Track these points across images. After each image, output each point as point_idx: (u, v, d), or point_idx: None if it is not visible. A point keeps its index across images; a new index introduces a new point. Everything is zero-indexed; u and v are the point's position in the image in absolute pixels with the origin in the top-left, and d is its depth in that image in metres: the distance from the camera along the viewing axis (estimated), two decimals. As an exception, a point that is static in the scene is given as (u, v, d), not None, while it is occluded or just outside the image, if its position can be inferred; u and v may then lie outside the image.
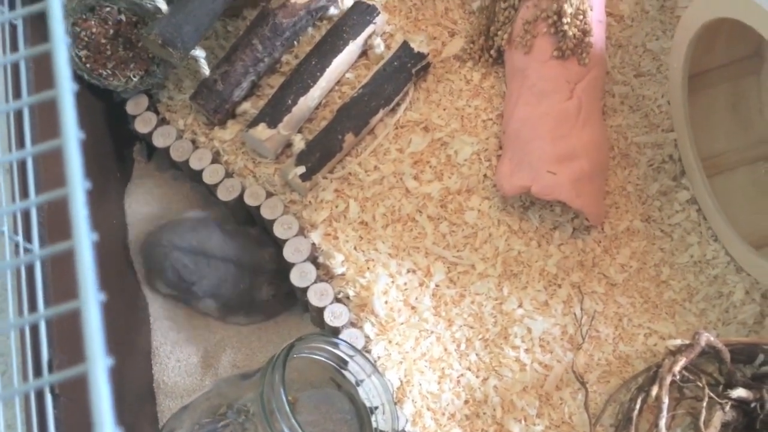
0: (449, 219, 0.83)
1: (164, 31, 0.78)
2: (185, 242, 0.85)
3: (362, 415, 0.74)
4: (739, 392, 0.72)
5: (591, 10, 0.83)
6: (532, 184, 0.79)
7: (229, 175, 0.86)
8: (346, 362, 0.75)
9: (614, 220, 0.85)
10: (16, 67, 0.69)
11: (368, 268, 0.81)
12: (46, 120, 0.71)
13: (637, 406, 0.74)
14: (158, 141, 0.87)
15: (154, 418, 0.82)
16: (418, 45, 0.87)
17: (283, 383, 0.67)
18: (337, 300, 0.79)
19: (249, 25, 0.88)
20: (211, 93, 0.85)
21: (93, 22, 0.83)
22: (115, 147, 0.91)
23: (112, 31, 0.84)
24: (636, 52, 0.91)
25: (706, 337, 0.73)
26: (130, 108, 0.88)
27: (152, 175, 0.94)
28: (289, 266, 0.80)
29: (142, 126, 0.88)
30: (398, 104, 0.87)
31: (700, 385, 0.73)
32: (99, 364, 0.26)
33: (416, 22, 0.92)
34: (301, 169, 0.82)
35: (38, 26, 0.75)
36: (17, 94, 0.68)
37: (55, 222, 0.67)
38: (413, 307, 0.80)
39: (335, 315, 0.78)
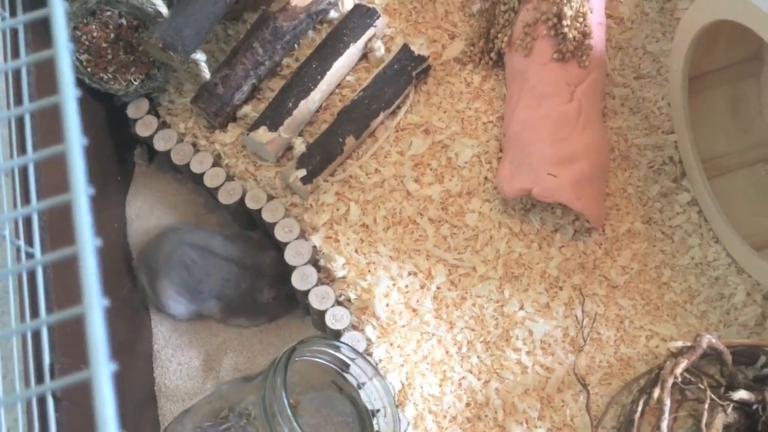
0: (450, 221, 0.83)
1: (165, 35, 0.78)
2: (193, 238, 0.84)
3: (364, 418, 0.74)
4: (741, 394, 0.72)
5: (591, 12, 0.84)
6: (532, 186, 0.80)
7: (230, 178, 0.86)
8: (347, 365, 0.75)
9: (615, 222, 0.85)
10: (17, 72, 0.69)
11: (369, 271, 0.81)
12: (48, 124, 0.71)
13: (639, 408, 0.74)
14: (159, 144, 0.88)
15: (156, 421, 0.82)
16: (418, 48, 0.87)
17: (285, 386, 0.67)
18: (339, 303, 0.79)
19: (249, 28, 0.88)
20: (212, 96, 0.85)
21: (94, 26, 0.83)
22: (116, 150, 0.91)
23: (112, 35, 0.84)
24: (636, 55, 0.91)
25: (708, 339, 0.73)
26: (131, 111, 0.89)
27: (153, 179, 0.94)
28: (290, 269, 0.80)
29: (142, 129, 0.88)
30: (399, 107, 0.87)
31: (702, 387, 0.73)
32: (103, 370, 0.26)
33: (416, 25, 0.92)
34: (302, 172, 0.82)
35: (39, 30, 0.75)
36: (18, 99, 0.68)
37: (57, 226, 0.68)
38: (414, 310, 0.80)
39: (336, 318, 0.78)
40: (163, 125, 0.89)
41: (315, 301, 0.79)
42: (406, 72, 0.86)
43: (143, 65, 0.86)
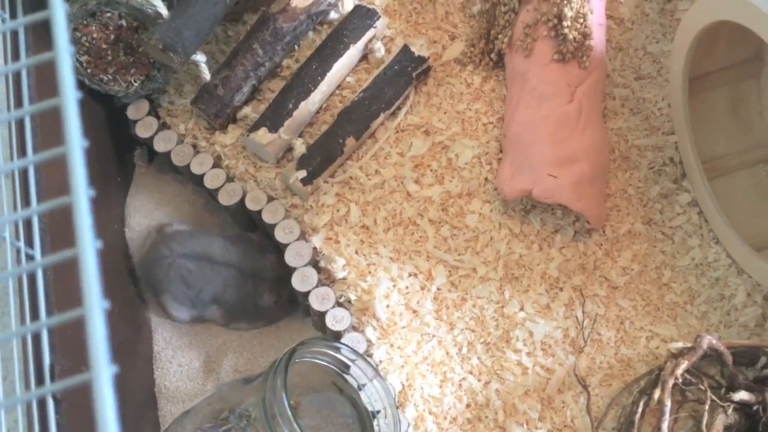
0: (450, 222, 0.83)
1: (165, 36, 0.78)
2: (188, 248, 0.84)
3: (364, 419, 0.74)
4: (742, 395, 0.72)
5: (591, 13, 0.84)
6: (533, 187, 0.80)
7: (230, 179, 0.86)
8: (347, 366, 0.75)
9: (615, 223, 0.85)
10: (17, 74, 0.69)
11: (370, 272, 0.81)
12: (48, 126, 0.71)
13: (640, 410, 0.74)
14: (159, 146, 0.88)
15: (156, 423, 0.82)
16: (418, 49, 0.87)
17: (285, 388, 0.67)
18: (339, 304, 0.79)
19: (250, 29, 0.88)
20: (212, 97, 0.85)
21: (94, 28, 0.83)
22: (116, 152, 0.91)
23: (113, 37, 0.84)
24: (636, 55, 0.91)
25: (708, 340, 0.73)
26: (131, 113, 0.89)
27: (153, 180, 0.94)
28: (290, 271, 0.80)
29: (143, 131, 0.88)
30: (399, 108, 0.87)
31: (702, 388, 0.73)
32: (103, 373, 0.26)
33: (416, 26, 0.92)
34: (302, 174, 0.82)
35: (39, 32, 0.75)
36: (18, 102, 0.68)
37: (58, 228, 0.68)
38: (415, 311, 0.80)
39: (337, 319, 0.78)
40: (163, 126, 0.89)
41: (315, 303, 0.79)
42: (406, 73, 0.86)
43: (143, 66, 0.86)
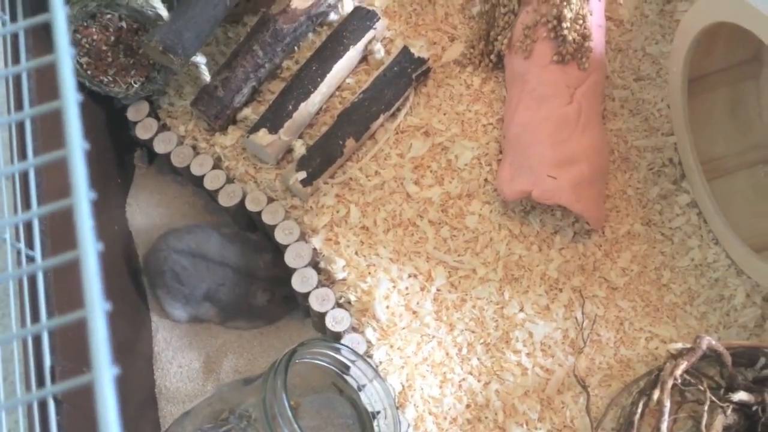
0: (450, 223, 0.83)
1: (165, 38, 0.78)
2: (184, 245, 0.85)
3: (364, 419, 0.74)
4: (741, 395, 0.72)
5: (591, 14, 0.84)
6: (532, 188, 0.80)
7: (230, 180, 0.86)
8: (347, 367, 0.75)
9: (615, 224, 0.85)
10: (17, 77, 0.70)
11: (369, 273, 0.81)
12: (48, 129, 0.71)
13: (639, 410, 0.74)
14: (159, 147, 0.88)
15: (156, 423, 0.82)
16: (418, 50, 0.87)
17: (286, 388, 0.67)
18: (339, 305, 0.79)
19: (249, 31, 0.88)
20: (212, 99, 0.85)
21: (94, 29, 0.84)
22: (116, 153, 0.91)
23: (113, 38, 0.84)
24: (636, 56, 0.92)
25: (708, 341, 0.73)
26: (131, 114, 0.89)
27: (153, 181, 0.94)
28: (284, 272, 0.81)
29: (143, 132, 0.88)
30: (399, 109, 0.87)
31: (702, 388, 0.73)
32: (105, 374, 0.26)
33: (416, 27, 0.92)
34: (302, 175, 0.82)
35: (40, 35, 0.76)
36: (19, 105, 0.68)
37: (58, 230, 0.68)
38: (414, 312, 0.80)
39: (337, 320, 0.78)
40: (163, 128, 0.89)
41: (315, 304, 0.79)
42: (405, 74, 0.86)
43: (143, 68, 0.86)
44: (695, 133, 0.84)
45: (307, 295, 0.79)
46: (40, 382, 0.59)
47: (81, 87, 0.84)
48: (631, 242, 0.84)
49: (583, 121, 0.82)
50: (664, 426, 0.71)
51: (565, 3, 0.82)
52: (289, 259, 0.80)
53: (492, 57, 0.88)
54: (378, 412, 0.74)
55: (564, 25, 0.82)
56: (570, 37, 0.82)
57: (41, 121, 0.71)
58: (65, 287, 0.66)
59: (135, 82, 0.86)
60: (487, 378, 0.78)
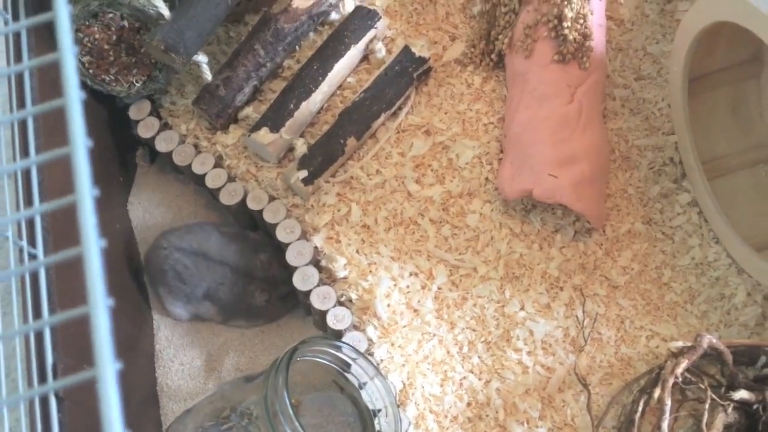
0: (451, 222, 0.83)
1: (167, 37, 0.79)
2: (185, 243, 0.85)
3: (365, 417, 0.74)
4: (742, 394, 0.73)
5: (591, 14, 0.84)
6: (533, 187, 0.80)
7: (231, 179, 0.86)
8: (348, 365, 0.75)
9: (615, 223, 0.85)
10: (20, 76, 0.70)
11: (371, 272, 0.81)
12: (50, 127, 0.72)
13: (640, 408, 0.75)
14: (161, 146, 0.88)
15: (158, 421, 0.83)
16: (419, 49, 0.87)
17: (287, 386, 0.67)
18: (340, 303, 0.80)
19: (251, 30, 0.88)
20: (214, 98, 0.86)
21: (96, 28, 0.84)
22: (118, 152, 0.91)
23: (115, 37, 0.84)
24: (636, 56, 0.92)
25: (708, 339, 0.73)
26: (133, 113, 0.89)
27: (155, 180, 0.95)
28: (282, 271, 0.81)
29: (144, 131, 0.88)
30: (400, 108, 0.88)
31: (703, 387, 0.74)
32: (108, 370, 0.26)
33: (417, 27, 0.92)
34: (304, 173, 0.82)
35: (42, 34, 0.76)
36: (21, 103, 0.69)
37: (60, 227, 0.68)
38: (416, 310, 0.80)
39: (338, 318, 0.78)
40: (165, 127, 0.89)
41: (316, 302, 0.79)
42: (407, 73, 0.86)
43: (145, 67, 0.86)
44: (696, 133, 0.84)
45: (308, 293, 0.79)
46: (42, 379, 0.60)
47: (83, 86, 0.84)
48: (631, 241, 0.84)
49: (584, 120, 0.82)
50: (665, 424, 0.71)
51: (565, 2, 0.82)
52: (291, 257, 0.80)
53: (493, 56, 0.88)
54: (379, 410, 0.74)
55: (565, 24, 0.82)
56: (571, 37, 0.82)
57: (43, 119, 0.71)
58: (67, 285, 0.66)
59: (137, 81, 0.86)
60: (488, 376, 0.79)
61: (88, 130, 0.34)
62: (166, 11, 0.82)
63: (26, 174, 0.66)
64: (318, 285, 0.79)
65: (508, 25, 0.87)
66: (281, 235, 0.82)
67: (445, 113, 0.88)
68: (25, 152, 0.68)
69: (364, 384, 0.75)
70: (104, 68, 0.85)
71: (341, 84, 0.89)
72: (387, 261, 0.82)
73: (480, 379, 0.79)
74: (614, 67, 0.91)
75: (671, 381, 0.72)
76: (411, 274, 0.82)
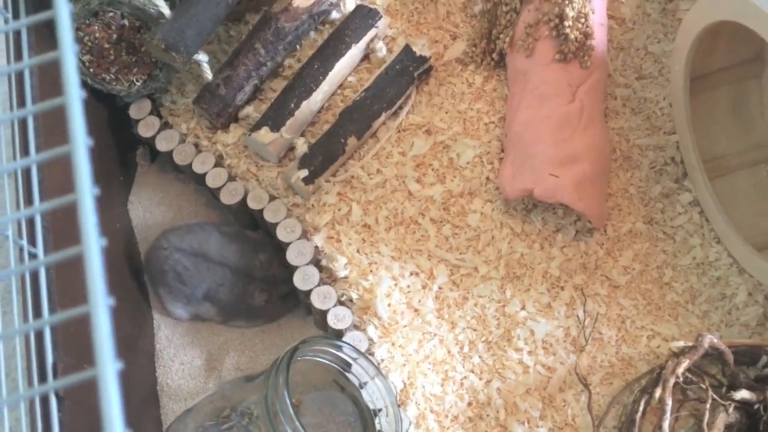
0: (452, 222, 0.83)
1: (167, 36, 0.79)
2: (186, 244, 0.85)
3: (366, 417, 0.74)
4: (743, 394, 0.72)
5: (593, 13, 0.84)
6: (534, 186, 0.80)
7: (232, 178, 0.86)
8: (349, 365, 0.75)
9: (617, 223, 0.85)
10: (20, 74, 0.70)
11: (371, 271, 0.81)
12: (50, 126, 0.72)
13: (641, 408, 0.74)
14: (161, 145, 0.88)
15: (158, 421, 0.82)
16: (420, 48, 0.87)
17: (287, 386, 0.67)
18: (341, 303, 0.80)
19: (251, 29, 0.88)
20: (214, 97, 0.85)
21: (96, 27, 0.84)
22: (118, 151, 0.91)
23: (115, 36, 0.84)
24: (638, 55, 0.92)
25: (709, 339, 0.73)
26: (133, 112, 0.89)
27: (155, 179, 0.95)
28: (292, 269, 0.81)
29: (145, 130, 0.88)
30: (400, 107, 0.87)
31: (704, 386, 0.73)
32: (109, 369, 0.26)
33: (418, 26, 0.92)
34: (304, 173, 0.82)
35: (42, 32, 0.76)
36: (21, 101, 0.68)
37: (60, 226, 0.68)
38: (416, 310, 0.80)
39: (338, 318, 0.78)
40: (165, 126, 0.89)
41: (317, 301, 0.79)
42: (407, 72, 0.86)
43: (145, 66, 0.86)
44: (697, 132, 0.84)
45: (308, 292, 0.79)
46: (43, 379, 0.60)
47: (83, 85, 0.84)
48: (632, 241, 0.84)
49: (585, 119, 0.82)
50: (666, 424, 0.71)
51: (567, 1, 0.82)
52: (291, 257, 0.80)
53: (494, 55, 0.88)
54: (379, 410, 0.74)
55: (566, 23, 0.82)
56: (572, 36, 0.82)
57: (43, 118, 0.71)
58: (67, 284, 0.66)
59: (137, 80, 0.86)
60: (489, 376, 0.79)
61: (89, 129, 0.34)
62: (166, 10, 0.82)
63: (26, 173, 0.66)
64: (318, 284, 0.79)
65: (509, 24, 0.87)
66: (282, 234, 0.82)
67: (446, 112, 0.88)
68: (25, 151, 0.68)
69: (365, 383, 0.75)
70: (104, 67, 0.85)
71: (342, 83, 0.89)
72: (388, 260, 0.81)
73: (481, 379, 0.78)
74: (615, 67, 0.91)
75: (672, 381, 0.72)
76: (412, 274, 0.82)
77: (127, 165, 0.93)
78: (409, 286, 0.81)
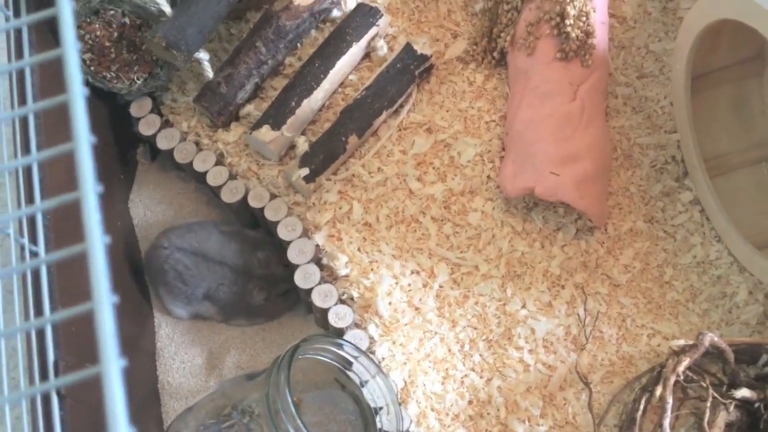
0: (453, 220, 0.83)
1: (168, 34, 0.78)
2: (186, 243, 0.85)
3: (367, 415, 0.74)
4: (743, 392, 0.73)
5: (594, 11, 0.84)
6: (535, 185, 0.80)
7: (233, 177, 0.86)
8: (350, 363, 0.75)
9: (617, 221, 0.85)
10: (21, 72, 0.70)
11: (372, 270, 0.81)
12: (52, 124, 0.72)
13: (641, 407, 0.75)
14: (162, 143, 0.88)
15: (159, 419, 0.83)
16: (421, 47, 0.87)
17: (288, 384, 0.67)
18: (342, 301, 0.80)
19: (252, 27, 0.88)
20: (215, 95, 0.85)
21: (97, 25, 0.84)
22: (119, 149, 0.91)
23: (116, 34, 0.84)
24: (639, 54, 0.91)
25: (710, 338, 0.73)
26: (134, 110, 0.89)
27: (156, 177, 0.95)
28: (292, 268, 0.81)
29: (145, 128, 0.88)
30: (401, 106, 0.87)
31: (704, 385, 0.74)
32: (113, 366, 0.26)
33: (419, 24, 0.92)
34: (305, 171, 0.82)
35: (43, 30, 0.76)
36: (22, 99, 0.68)
37: (61, 224, 0.68)
38: (417, 308, 0.80)
39: (339, 316, 0.78)
40: (166, 124, 0.89)
41: (318, 300, 0.79)
42: (408, 71, 0.86)
43: (146, 64, 0.86)
44: (698, 131, 0.84)
45: (309, 291, 0.79)
46: (44, 377, 0.60)
47: (84, 83, 0.84)
48: (633, 239, 0.84)
49: (586, 118, 0.82)
50: (667, 422, 0.71)
51: (568, 0, 0.82)
52: (292, 255, 0.80)
53: (495, 54, 0.88)
54: (380, 408, 0.74)
55: (567, 22, 0.82)
56: (573, 34, 0.82)
57: (45, 116, 0.71)
58: (69, 282, 0.66)
59: (138, 79, 0.86)
60: (489, 374, 0.79)
61: (90, 127, 0.34)
62: (167, 8, 0.82)
63: (27, 171, 0.66)
64: (319, 283, 0.79)
65: (510, 23, 0.87)
66: (282, 233, 0.82)
67: (447, 111, 0.88)
68: (26, 149, 0.68)
69: (366, 382, 0.75)
70: (105, 65, 0.85)
71: (343, 81, 0.89)
72: (388, 259, 0.81)
73: (481, 377, 0.79)
74: (617, 65, 0.91)
75: (673, 379, 0.72)
76: (412, 272, 0.82)
77: (127, 163, 0.93)
78: (409, 285, 0.81)
